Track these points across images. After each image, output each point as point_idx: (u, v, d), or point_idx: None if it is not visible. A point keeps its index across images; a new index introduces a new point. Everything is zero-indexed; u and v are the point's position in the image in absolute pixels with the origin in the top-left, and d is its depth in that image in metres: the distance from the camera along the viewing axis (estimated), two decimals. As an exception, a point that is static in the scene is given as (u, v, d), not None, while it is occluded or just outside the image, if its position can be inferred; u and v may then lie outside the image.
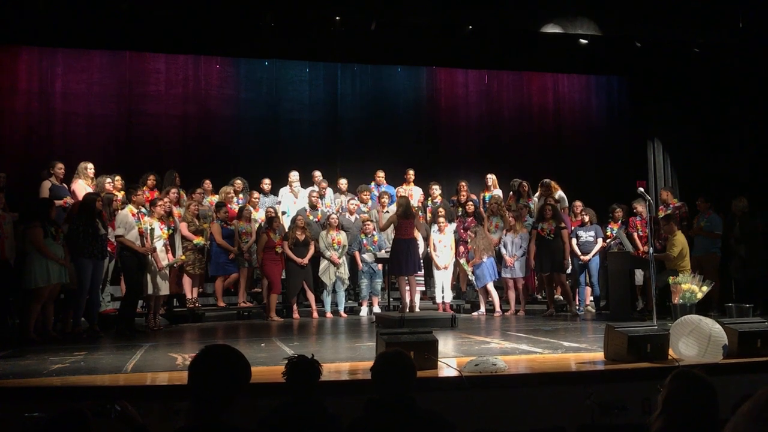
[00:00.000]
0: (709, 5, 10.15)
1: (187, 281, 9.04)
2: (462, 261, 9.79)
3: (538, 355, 5.43)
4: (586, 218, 9.56)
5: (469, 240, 9.64)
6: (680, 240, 8.64)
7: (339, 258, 9.48)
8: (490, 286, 9.50)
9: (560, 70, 12.59)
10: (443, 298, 9.62)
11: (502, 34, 10.75)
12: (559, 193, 10.35)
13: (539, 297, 10.17)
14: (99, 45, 10.57)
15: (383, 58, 11.56)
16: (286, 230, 9.54)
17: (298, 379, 3.10)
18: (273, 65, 11.82)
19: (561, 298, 9.57)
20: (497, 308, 9.45)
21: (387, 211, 10.00)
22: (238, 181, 10.16)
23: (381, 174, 10.91)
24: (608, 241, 9.47)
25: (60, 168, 8.60)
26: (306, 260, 9.30)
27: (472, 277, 9.67)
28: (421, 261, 9.25)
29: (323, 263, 9.49)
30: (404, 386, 2.85)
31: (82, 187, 8.60)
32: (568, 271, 9.48)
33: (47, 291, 6.83)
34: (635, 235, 9.57)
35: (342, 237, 9.60)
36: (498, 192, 10.63)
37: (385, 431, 2.76)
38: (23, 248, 7.09)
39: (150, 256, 7.72)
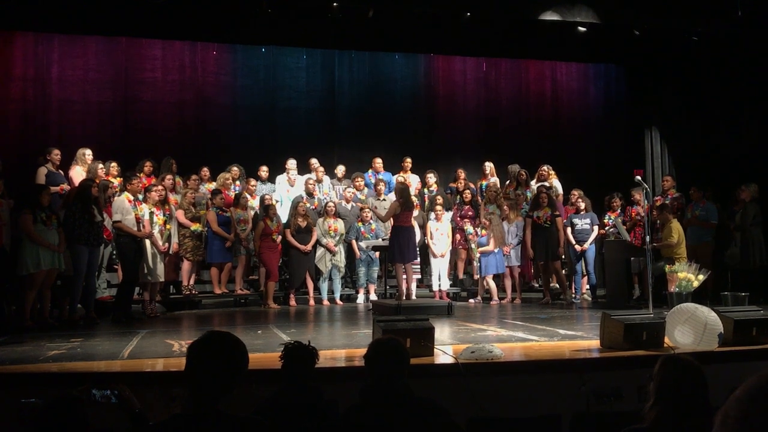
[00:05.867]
0: (707, -6, 10.11)
1: (184, 268, 9.04)
2: (473, 245, 9.72)
3: (534, 342, 5.44)
4: (582, 205, 9.54)
5: (485, 226, 9.49)
6: (677, 227, 8.66)
7: (336, 246, 9.49)
8: (489, 276, 9.50)
9: (558, 58, 12.55)
10: (440, 285, 9.63)
11: (500, 22, 10.70)
12: (554, 181, 10.34)
13: (536, 285, 10.18)
14: (95, 31, 10.51)
15: (381, 45, 11.51)
16: (281, 219, 9.52)
17: (295, 365, 3.10)
18: (270, 52, 11.76)
19: (557, 286, 9.58)
20: (494, 296, 9.46)
21: (384, 199, 10.00)
22: (235, 168, 10.14)
23: (378, 161, 10.88)
24: (606, 229, 9.46)
25: (56, 154, 8.56)
26: (309, 246, 9.31)
27: (477, 264, 9.63)
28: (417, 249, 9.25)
29: (320, 251, 9.49)
30: (397, 372, 2.84)
31: (80, 173, 8.57)
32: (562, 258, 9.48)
33: (40, 277, 6.80)
34: (627, 224, 9.53)
35: (339, 225, 9.59)
36: (495, 180, 10.61)
37: (380, 418, 2.76)
38: (18, 235, 7.08)
39: (149, 240, 7.72)
